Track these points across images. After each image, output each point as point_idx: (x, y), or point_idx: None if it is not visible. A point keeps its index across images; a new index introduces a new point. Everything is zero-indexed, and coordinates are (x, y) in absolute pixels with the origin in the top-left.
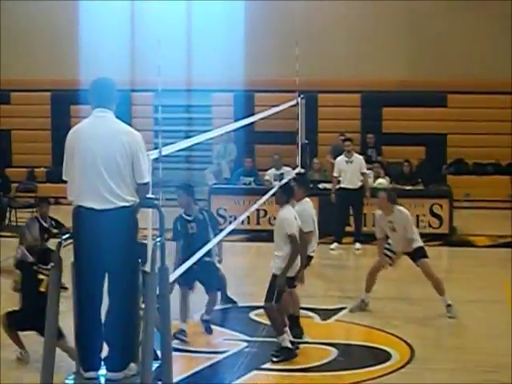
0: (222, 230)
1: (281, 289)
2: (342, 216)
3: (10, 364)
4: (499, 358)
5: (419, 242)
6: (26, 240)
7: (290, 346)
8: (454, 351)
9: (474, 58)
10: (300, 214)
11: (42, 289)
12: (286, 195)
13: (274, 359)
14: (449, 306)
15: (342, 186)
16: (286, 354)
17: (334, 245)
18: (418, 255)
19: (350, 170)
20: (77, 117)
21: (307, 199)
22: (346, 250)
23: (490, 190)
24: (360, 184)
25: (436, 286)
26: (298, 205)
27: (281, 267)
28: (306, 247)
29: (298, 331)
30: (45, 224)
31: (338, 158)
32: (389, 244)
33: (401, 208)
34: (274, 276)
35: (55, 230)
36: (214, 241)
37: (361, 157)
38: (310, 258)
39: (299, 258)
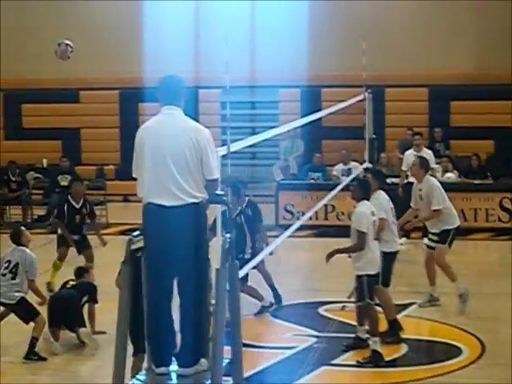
0: (289, 226)
1: (368, 288)
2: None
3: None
4: None
5: (448, 225)
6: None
7: (379, 349)
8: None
9: None
10: (373, 205)
11: None
12: (363, 190)
13: (361, 360)
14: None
15: (410, 180)
16: (374, 358)
17: (403, 239)
18: (440, 239)
19: None
20: (145, 114)
21: (381, 191)
22: (415, 245)
23: None
24: None
25: (447, 274)
26: (372, 196)
27: (360, 266)
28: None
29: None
30: (76, 205)
31: (407, 152)
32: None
33: (431, 178)
34: (358, 277)
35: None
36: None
37: (430, 151)
38: (395, 253)
39: (377, 255)
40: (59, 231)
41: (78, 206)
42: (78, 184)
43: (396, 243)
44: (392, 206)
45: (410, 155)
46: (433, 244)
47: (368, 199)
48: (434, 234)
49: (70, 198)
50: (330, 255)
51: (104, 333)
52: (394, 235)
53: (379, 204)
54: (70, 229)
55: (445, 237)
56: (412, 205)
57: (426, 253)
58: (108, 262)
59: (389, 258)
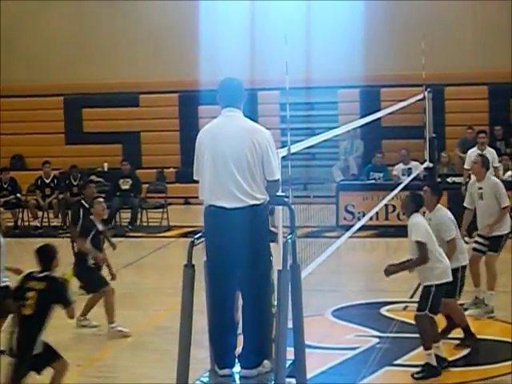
0: (350, 227)
1: (437, 299)
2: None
3: None
4: None
5: (500, 230)
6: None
7: (434, 363)
8: None
9: None
10: (439, 223)
11: None
12: (415, 203)
13: (416, 375)
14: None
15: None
16: (428, 372)
17: (466, 239)
18: (492, 245)
19: None
20: (204, 117)
21: (441, 206)
22: None
23: None
24: None
25: (490, 281)
26: (433, 214)
27: (427, 277)
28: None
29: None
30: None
31: (471, 151)
32: (479, 236)
33: (491, 176)
34: (424, 287)
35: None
36: None
37: (493, 150)
38: (464, 268)
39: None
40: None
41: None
42: (90, 186)
43: (464, 256)
44: (453, 219)
45: (473, 153)
46: (480, 247)
47: (418, 211)
48: (483, 237)
49: (83, 201)
50: (389, 272)
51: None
52: (461, 249)
53: (447, 221)
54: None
55: (496, 244)
56: (467, 205)
57: (471, 254)
58: (169, 263)
59: (456, 272)
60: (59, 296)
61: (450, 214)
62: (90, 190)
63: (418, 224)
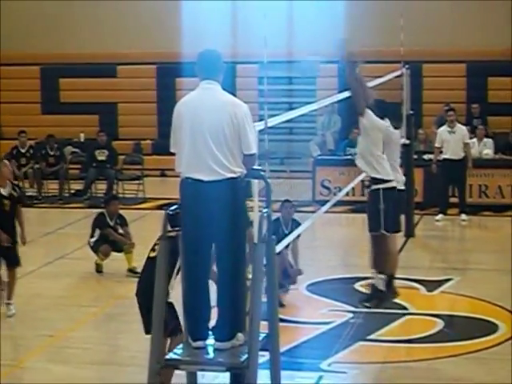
0: (326, 202)
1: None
2: (445, 187)
3: None
4: None
5: None
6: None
7: (383, 289)
8: None
9: None
10: None
11: None
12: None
13: (366, 304)
14: None
15: (444, 156)
16: (378, 296)
17: (440, 216)
18: None
19: (453, 141)
20: (182, 89)
21: None
22: (451, 221)
23: None
24: (463, 155)
25: None
26: None
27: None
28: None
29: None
30: (110, 222)
31: (441, 129)
32: None
33: None
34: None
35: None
36: None
37: (464, 127)
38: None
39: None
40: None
41: (112, 224)
42: (116, 203)
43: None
44: None
45: (443, 131)
46: None
47: None
48: None
49: (106, 215)
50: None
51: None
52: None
53: None
54: (102, 242)
55: None
56: None
57: None
58: (144, 235)
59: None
60: None
61: None
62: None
63: None
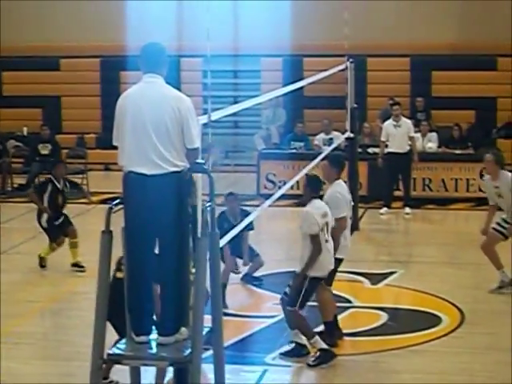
0: (270, 195)
1: (307, 293)
2: (390, 180)
3: None
4: None
5: None
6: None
7: (325, 346)
8: (504, 315)
9: None
10: (329, 199)
11: None
12: (312, 189)
13: (311, 363)
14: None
15: (390, 150)
16: (323, 357)
17: (384, 209)
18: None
19: (398, 135)
20: (126, 83)
21: (340, 181)
22: (396, 215)
23: None
24: (408, 148)
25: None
26: (329, 188)
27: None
28: (338, 239)
29: (338, 333)
30: (58, 185)
31: (386, 123)
32: (503, 220)
33: (505, 172)
34: (298, 275)
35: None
36: None
37: (409, 121)
38: (341, 260)
39: (329, 257)
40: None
41: (60, 188)
42: (62, 165)
43: (346, 248)
44: (348, 197)
45: (388, 125)
46: (502, 230)
47: (321, 197)
48: (506, 221)
49: (53, 178)
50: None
51: None
52: (345, 239)
53: (338, 199)
54: (55, 211)
55: None
56: (490, 202)
57: (487, 236)
58: (88, 229)
59: (337, 263)
60: None
61: (345, 191)
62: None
63: (311, 215)
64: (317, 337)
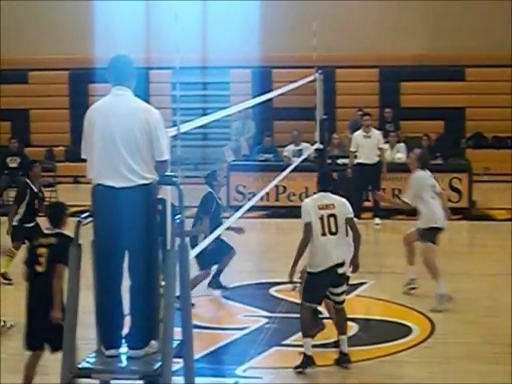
0: (240, 207)
1: (307, 287)
2: (360, 191)
3: None
4: None
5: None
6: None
7: (309, 353)
8: (474, 325)
9: (491, 31)
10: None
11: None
12: (320, 184)
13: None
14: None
15: (359, 161)
16: (304, 362)
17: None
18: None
19: (368, 145)
20: (95, 95)
21: (420, 171)
22: (366, 225)
23: (509, 164)
24: (377, 159)
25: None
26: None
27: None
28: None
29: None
30: (35, 188)
31: (356, 133)
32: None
33: (416, 173)
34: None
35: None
36: None
37: (378, 132)
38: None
39: (323, 252)
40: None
41: (36, 190)
42: (37, 166)
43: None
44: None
45: (358, 136)
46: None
47: (331, 192)
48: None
49: (29, 181)
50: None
51: None
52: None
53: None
54: (29, 214)
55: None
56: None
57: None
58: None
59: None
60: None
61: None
62: (38, 170)
63: (303, 204)
64: (307, 340)
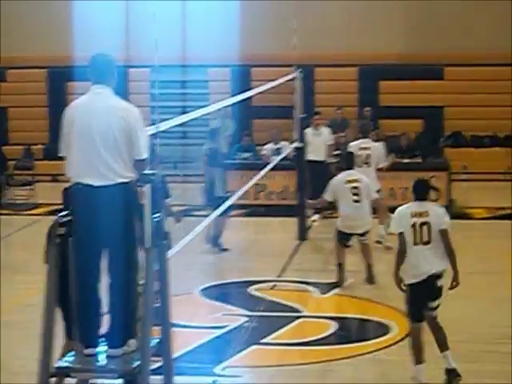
0: (219, 205)
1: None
2: (312, 187)
3: None
4: (499, 329)
5: None
6: None
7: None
8: (454, 323)
9: (470, 30)
10: None
11: None
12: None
13: None
14: None
15: (309, 158)
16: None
17: (315, 216)
18: None
19: (317, 143)
20: (73, 94)
21: None
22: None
23: (488, 163)
24: (324, 157)
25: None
26: None
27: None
28: None
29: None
30: None
31: (306, 130)
32: None
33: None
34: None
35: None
36: None
37: (327, 130)
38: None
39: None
40: None
41: None
42: None
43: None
44: None
45: (308, 133)
46: None
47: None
48: None
49: None
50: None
51: None
52: None
53: None
54: None
55: None
56: None
57: None
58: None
59: None
60: None
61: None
62: None
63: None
64: (419, 367)
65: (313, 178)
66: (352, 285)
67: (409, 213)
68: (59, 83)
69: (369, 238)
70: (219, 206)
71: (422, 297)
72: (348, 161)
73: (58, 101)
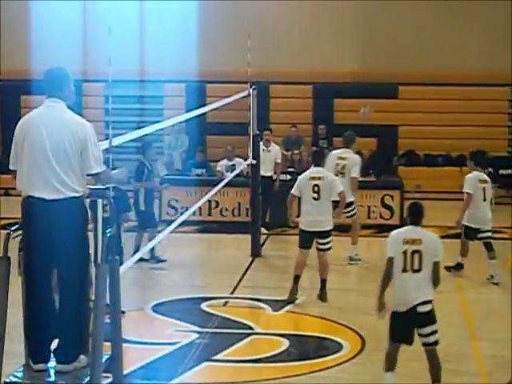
0: (172, 221)
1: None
2: (263, 203)
3: None
4: (453, 348)
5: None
6: None
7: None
8: None
9: (424, 50)
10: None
11: None
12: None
13: None
14: None
15: (262, 174)
16: None
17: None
18: None
19: (266, 159)
20: (27, 107)
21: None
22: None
23: (441, 182)
24: (272, 173)
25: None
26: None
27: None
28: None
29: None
30: None
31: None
32: None
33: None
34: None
35: None
36: None
37: (277, 147)
38: None
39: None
40: None
41: None
42: None
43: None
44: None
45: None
46: None
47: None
48: None
49: None
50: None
51: None
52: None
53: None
54: None
55: None
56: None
57: None
58: None
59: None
60: None
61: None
62: None
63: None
64: (388, 375)
65: (263, 192)
66: (304, 302)
67: (401, 239)
68: (13, 97)
69: (327, 254)
70: (141, 220)
71: (406, 326)
72: (316, 158)
73: (11, 114)
